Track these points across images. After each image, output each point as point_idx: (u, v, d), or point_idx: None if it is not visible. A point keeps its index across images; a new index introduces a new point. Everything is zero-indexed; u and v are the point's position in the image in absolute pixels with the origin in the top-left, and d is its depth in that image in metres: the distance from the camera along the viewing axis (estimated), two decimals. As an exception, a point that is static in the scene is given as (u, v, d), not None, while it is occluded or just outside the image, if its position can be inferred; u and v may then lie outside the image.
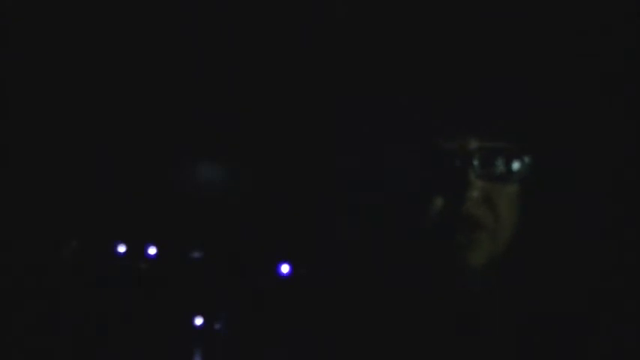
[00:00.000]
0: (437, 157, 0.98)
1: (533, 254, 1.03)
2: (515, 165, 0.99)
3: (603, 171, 1.14)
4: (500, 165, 0.99)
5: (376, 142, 1.05)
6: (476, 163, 0.97)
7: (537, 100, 1.03)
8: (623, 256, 1.11)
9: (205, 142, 3.32)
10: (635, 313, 1.02)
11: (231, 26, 2.78)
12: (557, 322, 1.01)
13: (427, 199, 0.99)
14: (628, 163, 1.18)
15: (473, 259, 0.98)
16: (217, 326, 3.22)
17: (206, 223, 3.40)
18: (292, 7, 2.59)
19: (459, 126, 0.97)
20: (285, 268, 3.15)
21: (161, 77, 3.04)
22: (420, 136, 0.99)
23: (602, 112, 1.14)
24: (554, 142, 1.04)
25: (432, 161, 0.99)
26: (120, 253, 3.42)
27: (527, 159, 1.00)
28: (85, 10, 2.78)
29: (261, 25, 2.72)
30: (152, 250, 3.45)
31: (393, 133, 1.03)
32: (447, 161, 0.98)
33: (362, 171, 1.08)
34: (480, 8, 1.09)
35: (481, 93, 0.99)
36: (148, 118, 3.18)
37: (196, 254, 3.44)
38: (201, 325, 3.25)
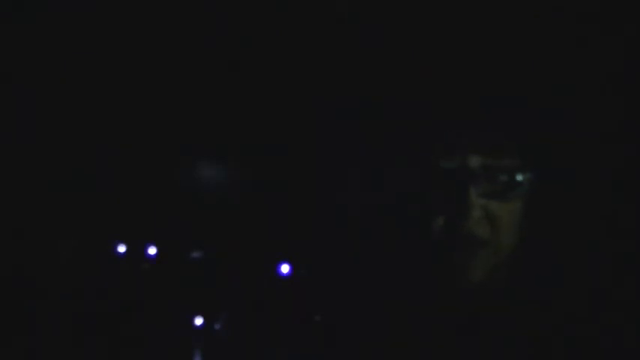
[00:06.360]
0: (438, 175, 0.98)
1: (534, 267, 1.03)
2: (517, 182, 0.99)
3: (605, 182, 1.14)
4: (501, 182, 0.98)
5: (378, 156, 1.05)
6: (477, 180, 0.96)
7: (538, 114, 1.02)
8: (626, 265, 1.11)
9: (205, 142, 3.32)
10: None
11: (232, 26, 2.78)
12: (558, 326, 1.01)
13: (428, 216, 0.98)
14: (629, 175, 1.18)
15: (474, 276, 0.98)
16: (217, 326, 3.22)
17: (206, 223, 3.40)
18: (292, 7, 2.59)
19: (460, 143, 0.97)
20: (285, 268, 3.15)
21: (161, 77, 3.04)
22: (421, 153, 0.99)
23: (603, 125, 1.14)
24: (554, 157, 1.03)
25: (432, 179, 0.98)
26: (120, 253, 3.42)
27: (528, 175, 0.99)
28: (87, 9, 2.78)
29: (261, 25, 2.72)
30: (152, 250, 3.45)
31: (395, 149, 1.02)
32: (448, 179, 0.97)
33: (362, 183, 1.07)
34: (482, 17, 1.09)
35: (482, 109, 0.99)
36: (148, 118, 3.18)
37: (196, 254, 3.44)
38: (201, 325, 3.25)
